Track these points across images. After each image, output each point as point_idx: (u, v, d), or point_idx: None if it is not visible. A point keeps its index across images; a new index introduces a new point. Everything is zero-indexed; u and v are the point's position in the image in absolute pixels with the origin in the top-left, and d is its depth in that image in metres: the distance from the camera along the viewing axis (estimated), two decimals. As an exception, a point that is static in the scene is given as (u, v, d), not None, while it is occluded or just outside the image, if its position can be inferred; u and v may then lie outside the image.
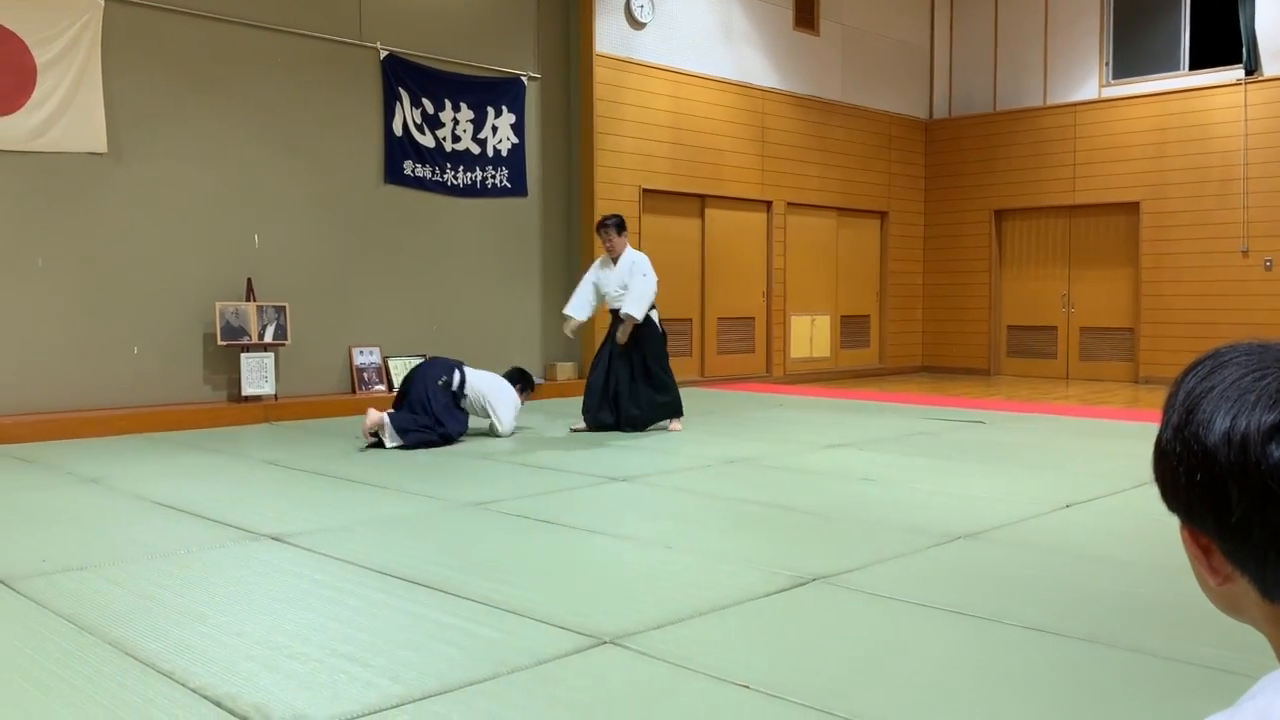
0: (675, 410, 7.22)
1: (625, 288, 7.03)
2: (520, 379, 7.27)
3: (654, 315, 7.17)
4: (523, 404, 7.20)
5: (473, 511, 4.58)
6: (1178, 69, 12.25)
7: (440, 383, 6.76)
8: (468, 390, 6.90)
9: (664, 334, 7.26)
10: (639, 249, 7.60)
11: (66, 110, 7.62)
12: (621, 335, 7.02)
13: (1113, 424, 8.07)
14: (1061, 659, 2.72)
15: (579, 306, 7.24)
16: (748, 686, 2.51)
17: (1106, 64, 12.67)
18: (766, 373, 12.17)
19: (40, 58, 7.50)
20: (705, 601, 3.20)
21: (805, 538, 4.08)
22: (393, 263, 9.36)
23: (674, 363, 10.36)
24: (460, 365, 6.99)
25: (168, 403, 8.05)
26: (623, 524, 4.36)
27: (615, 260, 7.17)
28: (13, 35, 7.41)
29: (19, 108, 7.42)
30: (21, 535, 4.21)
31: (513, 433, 6.92)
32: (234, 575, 3.56)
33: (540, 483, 5.30)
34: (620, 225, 7.14)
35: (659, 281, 7.18)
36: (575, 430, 7.20)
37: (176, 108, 8.14)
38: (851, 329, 13.41)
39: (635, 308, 6.96)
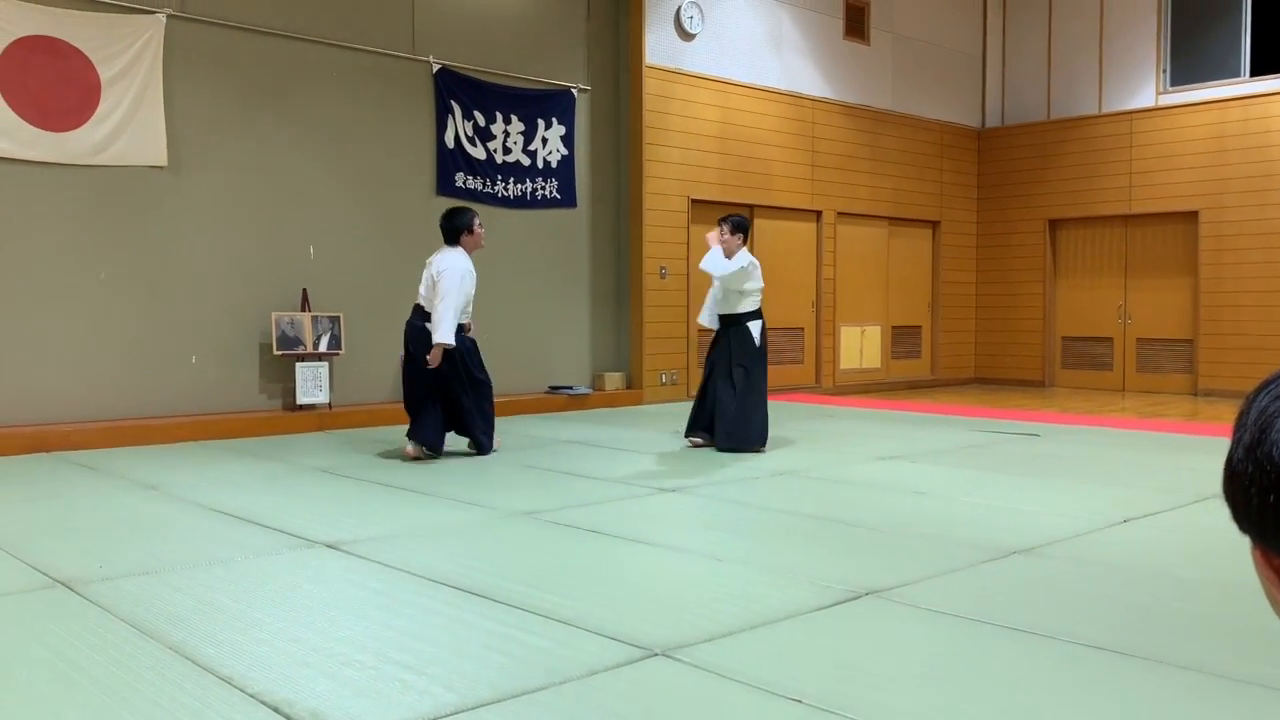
0: (751, 439, 6.72)
1: (727, 291, 6.80)
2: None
3: (755, 328, 6.76)
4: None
5: (522, 521, 4.55)
6: (1238, 75, 11.97)
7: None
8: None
9: (761, 349, 6.79)
10: (745, 252, 6.82)
11: (129, 125, 7.74)
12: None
13: (1171, 437, 7.88)
14: (1124, 678, 2.66)
15: (707, 314, 7.00)
16: (800, 701, 2.48)
17: (1164, 71, 12.43)
18: (816, 383, 11.99)
19: (104, 74, 7.63)
20: (756, 614, 3.17)
21: (857, 551, 4.02)
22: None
23: None
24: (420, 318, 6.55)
25: (224, 411, 8.06)
26: (672, 535, 4.31)
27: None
28: (78, 52, 7.55)
29: (84, 123, 7.56)
30: (84, 540, 4.25)
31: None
32: (290, 582, 3.58)
33: (588, 493, 5.24)
34: (734, 224, 6.78)
35: (763, 290, 6.89)
36: (692, 445, 6.93)
37: (234, 121, 8.19)
38: (902, 339, 13.13)
39: (739, 308, 6.71)
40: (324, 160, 8.63)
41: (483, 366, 6.68)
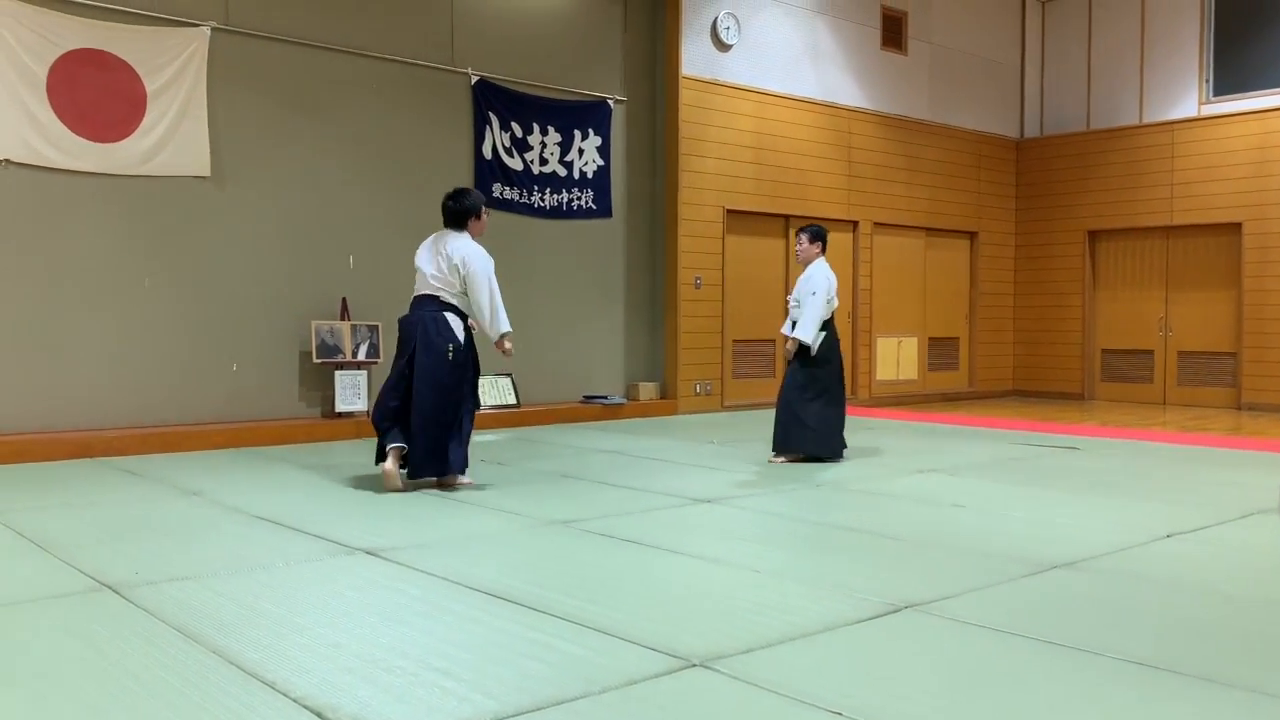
0: (815, 446, 6.51)
1: (799, 303, 6.56)
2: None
3: (818, 340, 6.52)
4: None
5: (559, 530, 4.51)
6: (1282, 85, 11.72)
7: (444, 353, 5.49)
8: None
9: (828, 359, 6.54)
10: (822, 262, 6.65)
11: (173, 136, 7.77)
12: (788, 353, 6.56)
13: (1215, 452, 7.67)
14: (1169, 695, 2.60)
15: (786, 328, 6.76)
16: (839, 714, 2.45)
17: (1207, 80, 12.19)
18: (852, 395, 11.62)
19: (150, 85, 7.68)
20: (795, 626, 3.14)
21: (896, 564, 3.96)
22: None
23: (755, 386, 10.54)
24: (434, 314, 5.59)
25: (265, 418, 8.03)
26: (709, 546, 4.25)
27: (801, 270, 6.75)
28: (125, 64, 7.61)
29: (130, 134, 7.61)
30: (129, 545, 4.25)
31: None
32: (330, 588, 3.57)
33: (624, 503, 5.19)
34: (813, 234, 6.58)
35: (828, 299, 6.58)
36: (772, 461, 6.65)
37: (276, 132, 8.15)
38: (939, 351, 12.86)
39: (803, 331, 6.42)
40: (363, 171, 8.59)
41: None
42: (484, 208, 5.74)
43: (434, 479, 5.54)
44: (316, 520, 4.69)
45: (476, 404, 5.66)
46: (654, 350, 10.48)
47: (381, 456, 5.48)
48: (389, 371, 5.59)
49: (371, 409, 5.80)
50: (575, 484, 5.81)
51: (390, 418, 5.45)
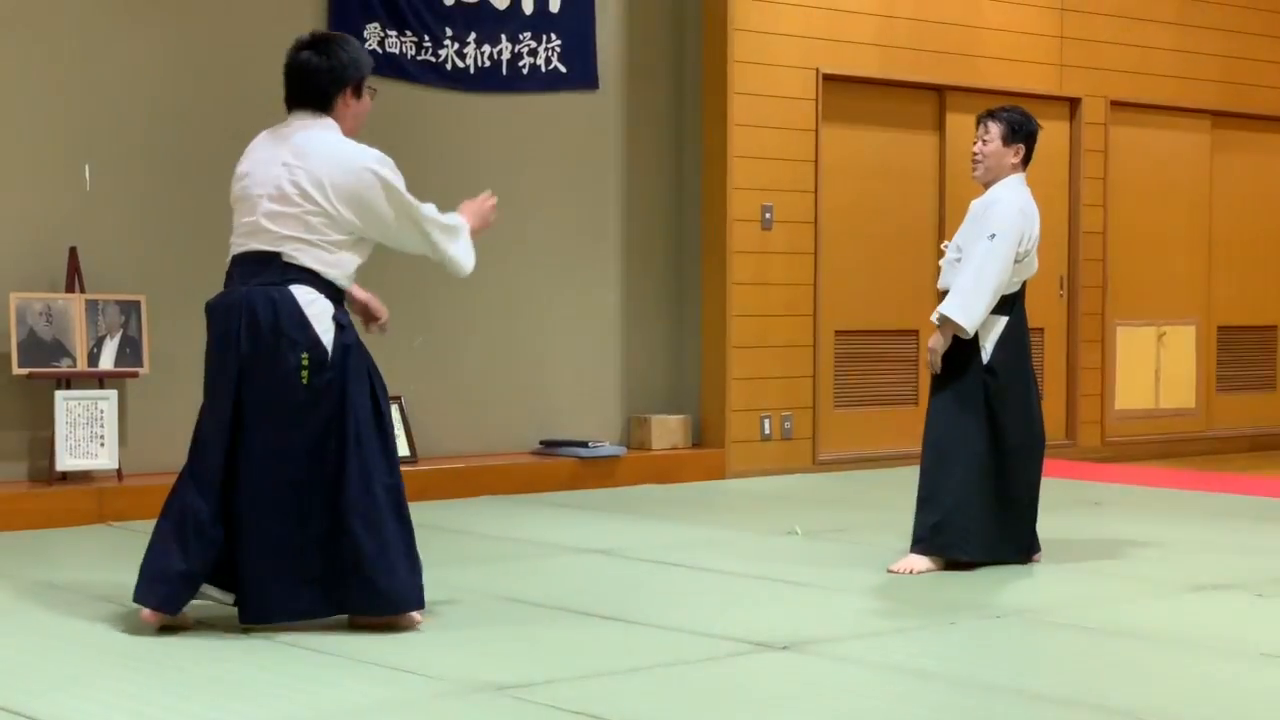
0: (985, 540, 5.41)
1: (961, 253, 5.33)
2: None
3: (991, 331, 5.31)
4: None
5: (490, 703, 3.51)
6: None
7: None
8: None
9: (1015, 368, 5.33)
10: (1016, 184, 5.31)
11: None
12: (931, 358, 5.34)
13: None
14: None
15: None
16: None
17: None
18: (1067, 439, 8.98)
19: None
20: None
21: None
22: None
23: (880, 420, 8.79)
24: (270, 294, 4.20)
25: None
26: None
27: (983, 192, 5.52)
28: None
29: None
30: None
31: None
32: None
33: (622, 651, 4.05)
34: (1011, 124, 5.30)
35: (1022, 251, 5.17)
36: (904, 571, 5.44)
37: None
38: (1241, 352, 9.83)
39: (956, 303, 5.18)
40: (121, 6, 6.99)
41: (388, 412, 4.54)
42: (367, 74, 4.45)
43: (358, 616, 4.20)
44: (43, 698, 3.54)
45: (388, 458, 4.22)
46: (680, 354, 8.41)
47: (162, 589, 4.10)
48: (195, 416, 4.31)
49: (166, 500, 4.31)
50: (530, 614, 4.73)
51: (201, 539, 4.02)
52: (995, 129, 5.16)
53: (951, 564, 5.20)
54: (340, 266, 4.08)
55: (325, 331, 3.96)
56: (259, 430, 3.94)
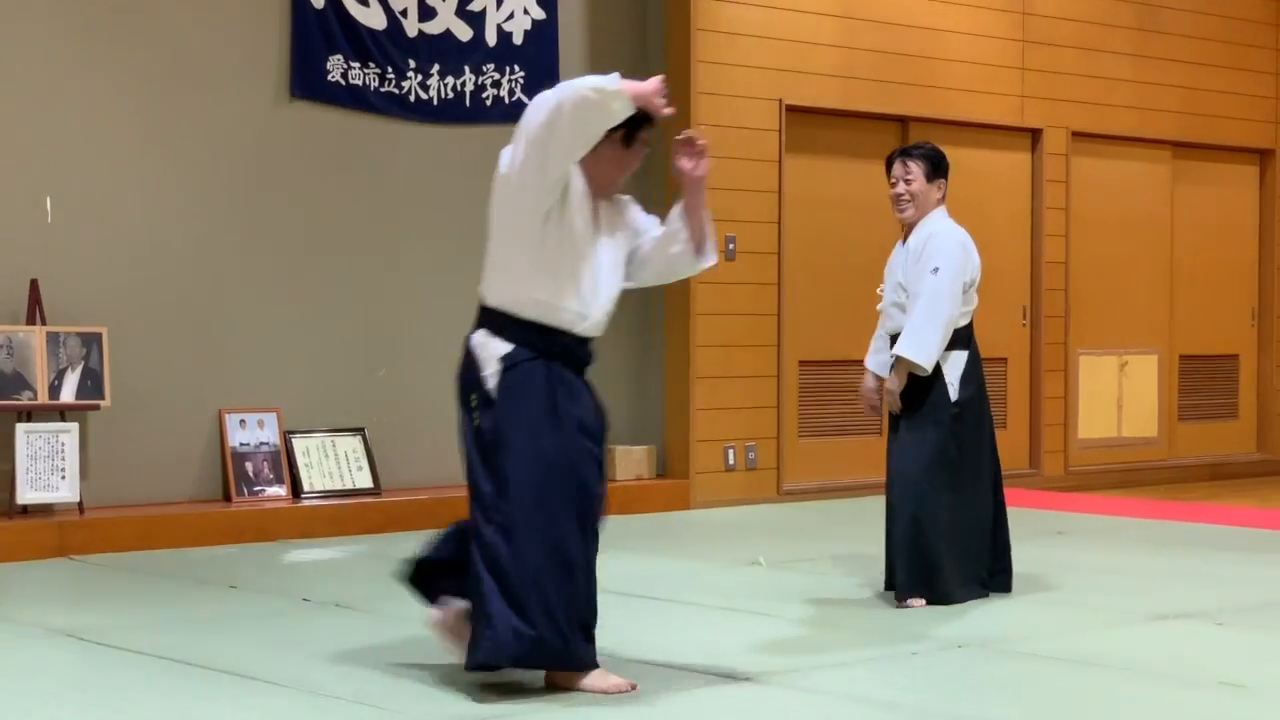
0: (951, 576, 5.42)
1: (905, 292, 5.38)
2: None
3: (954, 366, 5.36)
4: None
5: None
6: None
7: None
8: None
9: (971, 406, 5.38)
10: (942, 214, 5.42)
11: None
12: (890, 399, 5.31)
13: None
14: None
15: (875, 353, 5.57)
16: None
17: None
18: (1030, 468, 9.09)
19: None
20: None
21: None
22: (306, 250, 7.65)
23: (841, 450, 8.96)
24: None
25: None
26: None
27: (906, 234, 5.44)
28: None
29: None
30: None
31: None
32: None
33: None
34: (930, 158, 5.35)
35: (973, 282, 5.33)
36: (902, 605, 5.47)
37: None
38: (1201, 381, 10.05)
39: (910, 343, 5.18)
40: (81, 40, 7.12)
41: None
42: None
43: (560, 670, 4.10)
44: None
45: (590, 505, 3.95)
46: (644, 385, 8.62)
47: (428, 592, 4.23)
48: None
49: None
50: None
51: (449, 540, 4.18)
52: (917, 168, 5.24)
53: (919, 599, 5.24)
54: (519, 292, 3.99)
55: (491, 367, 4.06)
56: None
